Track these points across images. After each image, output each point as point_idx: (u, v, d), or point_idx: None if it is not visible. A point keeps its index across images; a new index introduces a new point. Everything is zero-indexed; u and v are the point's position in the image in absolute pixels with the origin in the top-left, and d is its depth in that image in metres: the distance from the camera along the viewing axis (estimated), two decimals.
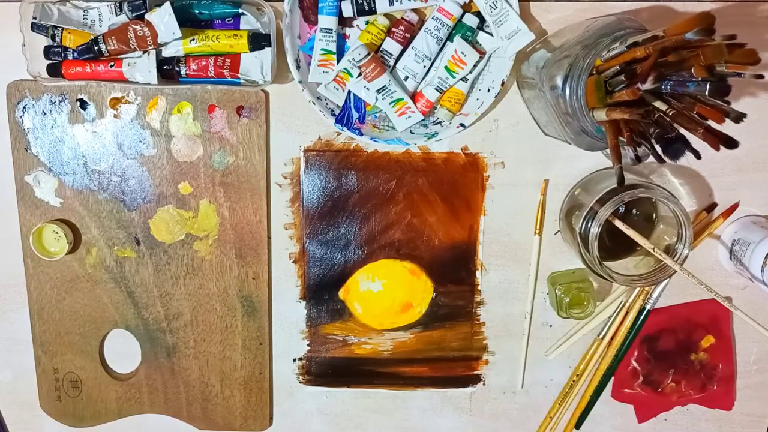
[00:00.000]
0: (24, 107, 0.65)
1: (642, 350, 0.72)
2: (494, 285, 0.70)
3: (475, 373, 0.73)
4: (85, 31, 0.62)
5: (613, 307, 0.70)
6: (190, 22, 0.61)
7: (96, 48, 0.60)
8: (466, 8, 0.61)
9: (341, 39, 0.63)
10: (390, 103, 0.63)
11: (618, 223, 0.61)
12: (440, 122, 0.64)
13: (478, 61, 0.62)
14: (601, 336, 0.71)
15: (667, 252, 0.62)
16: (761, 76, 0.47)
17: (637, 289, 0.69)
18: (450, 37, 0.62)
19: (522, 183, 0.68)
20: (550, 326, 0.72)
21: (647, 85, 0.47)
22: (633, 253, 0.65)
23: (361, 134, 0.64)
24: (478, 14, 0.61)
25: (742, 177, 0.67)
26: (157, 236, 0.68)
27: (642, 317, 0.70)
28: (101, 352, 0.72)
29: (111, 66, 0.61)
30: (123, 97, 0.65)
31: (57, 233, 0.66)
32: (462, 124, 0.63)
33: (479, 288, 0.70)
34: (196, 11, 0.61)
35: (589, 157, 0.66)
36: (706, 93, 0.46)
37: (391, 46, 0.62)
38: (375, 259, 0.69)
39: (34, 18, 0.60)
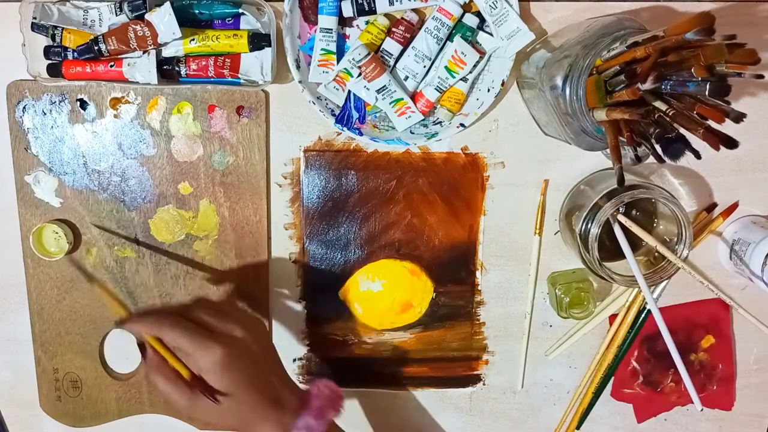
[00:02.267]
0: (24, 107, 0.65)
1: (642, 350, 0.72)
2: (494, 285, 0.70)
3: (475, 373, 0.73)
4: (85, 31, 0.61)
5: (614, 307, 0.70)
6: (190, 22, 0.61)
7: (96, 48, 0.60)
8: (466, 8, 0.61)
9: (341, 39, 0.63)
10: (390, 103, 0.63)
11: (622, 218, 0.61)
12: (440, 122, 0.64)
13: (478, 61, 0.62)
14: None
15: None
16: (761, 76, 0.47)
17: (637, 289, 0.69)
18: (450, 37, 0.62)
19: (522, 183, 0.68)
20: (550, 326, 0.72)
21: (647, 85, 0.47)
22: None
23: (361, 134, 0.64)
24: (478, 14, 0.61)
25: (742, 177, 0.67)
26: (157, 236, 0.68)
27: (642, 317, 0.70)
28: (101, 352, 0.72)
29: (111, 66, 0.61)
30: (123, 97, 0.65)
31: (57, 233, 0.66)
32: (462, 124, 0.63)
33: (479, 288, 0.70)
34: (196, 11, 0.61)
35: (589, 157, 0.66)
36: (706, 93, 0.46)
37: (391, 46, 0.62)
38: (375, 259, 0.69)
39: (34, 18, 0.60)
